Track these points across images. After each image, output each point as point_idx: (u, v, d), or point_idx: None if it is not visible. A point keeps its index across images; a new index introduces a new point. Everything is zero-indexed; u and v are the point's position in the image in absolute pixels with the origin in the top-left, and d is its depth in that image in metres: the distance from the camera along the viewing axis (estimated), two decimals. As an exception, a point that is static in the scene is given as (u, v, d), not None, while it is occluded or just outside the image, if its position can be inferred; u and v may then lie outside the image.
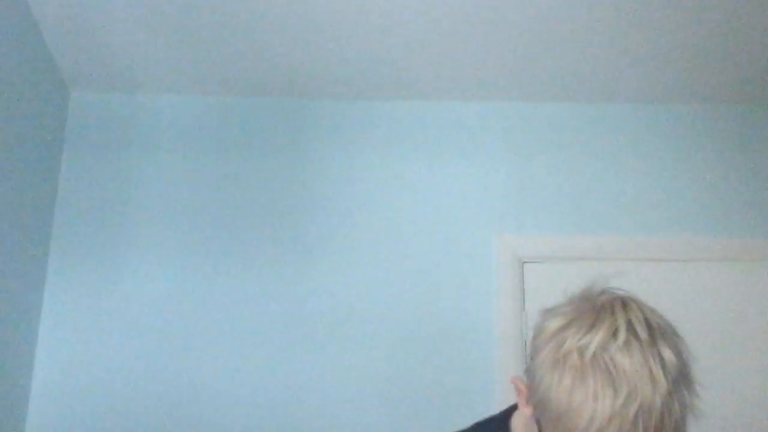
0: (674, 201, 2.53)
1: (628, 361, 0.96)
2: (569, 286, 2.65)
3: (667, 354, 0.98)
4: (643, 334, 0.98)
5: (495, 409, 2.30)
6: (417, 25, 2.25)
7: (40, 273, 2.36)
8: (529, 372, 1.04)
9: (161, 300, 2.40)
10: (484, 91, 2.56)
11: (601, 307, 1.02)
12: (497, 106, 2.61)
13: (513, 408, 1.23)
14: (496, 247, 2.45)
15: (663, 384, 0.95)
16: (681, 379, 0.98)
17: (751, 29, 2.26)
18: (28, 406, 2.29)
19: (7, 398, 2.16)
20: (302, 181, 2.52)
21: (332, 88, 2.54)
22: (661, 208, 2.52)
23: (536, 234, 2.48)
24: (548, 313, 1.06)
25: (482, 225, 2.49)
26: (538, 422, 1.04)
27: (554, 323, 1.03)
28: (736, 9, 2.17)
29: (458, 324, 2.39)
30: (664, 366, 0.97)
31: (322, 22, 2.24)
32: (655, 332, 0.99)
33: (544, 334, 1.03)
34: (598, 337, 0.98)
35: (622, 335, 0.98)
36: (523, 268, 2.44)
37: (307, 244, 2.46)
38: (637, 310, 1.02)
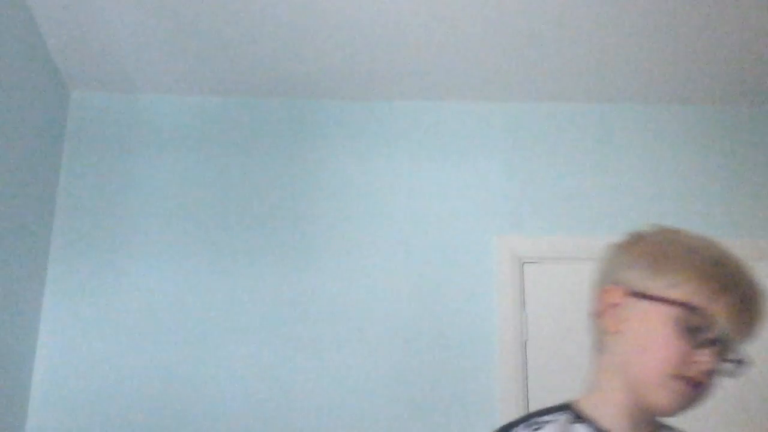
0: (674, 201, 2.52)
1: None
2: (569, 286, 2.64)
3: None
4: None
5: (495, 409, 2.30)
6: (417, 25, 2.25)
7: (40, 273, 2.37)
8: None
9: (161, 300, 2.40)
10: (484, 91, 2.56)
11: None
12: (497, 106, 2.61)
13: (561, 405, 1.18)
14: (496, 248, 2.44)
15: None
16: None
17: (751, 29, 2.26)
18: (28, 406, 2.29)
19: (7, 398, 2.16)
20: (302, 181, 2.52)
21: (332, 88, 2.54)
22: (661, 208, 2.52)
23: (536, 234, 2.48)
24: None
25: (482, 225, 2.49)
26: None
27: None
28: (736, 9, 2.17)
29: (458, 324, 2.39)
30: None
31: (321, 22, 2.24)
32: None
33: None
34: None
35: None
36: (523, 268, 2.44)
37: (306, 244, 2.46)
38: None
